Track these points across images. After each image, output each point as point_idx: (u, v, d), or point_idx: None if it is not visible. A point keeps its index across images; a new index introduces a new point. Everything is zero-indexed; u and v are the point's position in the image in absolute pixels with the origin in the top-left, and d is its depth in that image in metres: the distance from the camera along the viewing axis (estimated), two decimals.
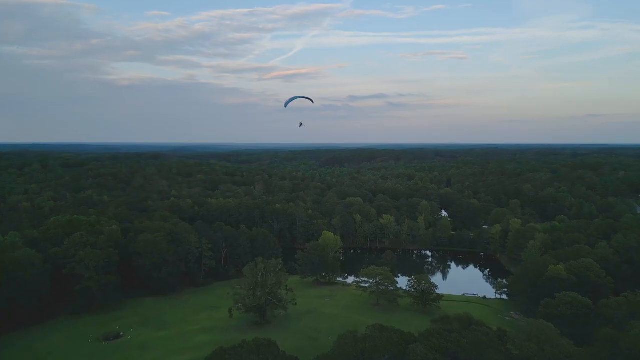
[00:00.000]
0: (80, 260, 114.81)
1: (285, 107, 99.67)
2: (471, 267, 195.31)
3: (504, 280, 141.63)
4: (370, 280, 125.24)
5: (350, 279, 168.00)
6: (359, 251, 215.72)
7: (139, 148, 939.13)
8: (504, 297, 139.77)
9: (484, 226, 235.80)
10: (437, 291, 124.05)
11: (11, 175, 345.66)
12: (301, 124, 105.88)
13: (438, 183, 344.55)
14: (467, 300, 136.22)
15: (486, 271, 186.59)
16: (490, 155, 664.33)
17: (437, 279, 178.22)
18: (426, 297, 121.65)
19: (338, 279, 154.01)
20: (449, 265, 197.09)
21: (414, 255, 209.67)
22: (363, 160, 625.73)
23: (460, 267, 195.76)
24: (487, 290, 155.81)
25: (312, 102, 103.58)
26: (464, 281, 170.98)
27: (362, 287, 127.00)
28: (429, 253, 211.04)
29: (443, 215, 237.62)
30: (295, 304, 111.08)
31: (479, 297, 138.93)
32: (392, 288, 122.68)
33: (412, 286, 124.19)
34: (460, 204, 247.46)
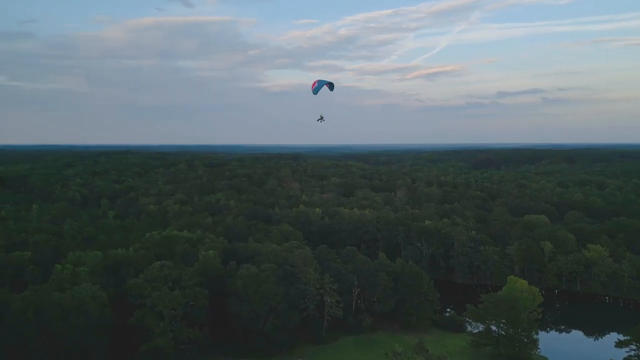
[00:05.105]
0: (151, 306, 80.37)
1: (315, 94, 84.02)
2: None
3: None
4: None
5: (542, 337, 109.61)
6: (542, 292, 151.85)
7: (283, 149, 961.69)
8: None
9: None
10: None
11: (156, 175, 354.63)
12: (321, 118, 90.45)
13: None
14: None
15: None
16: None
17: None
18: None
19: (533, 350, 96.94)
20: None
21: (632, 306, 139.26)
22: (523, 161, 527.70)
23: None
24: None
25: (331, 89, 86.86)
26: None
27: None
28: None
29: None
30: None
31: None
32: None
33: None
34: None
